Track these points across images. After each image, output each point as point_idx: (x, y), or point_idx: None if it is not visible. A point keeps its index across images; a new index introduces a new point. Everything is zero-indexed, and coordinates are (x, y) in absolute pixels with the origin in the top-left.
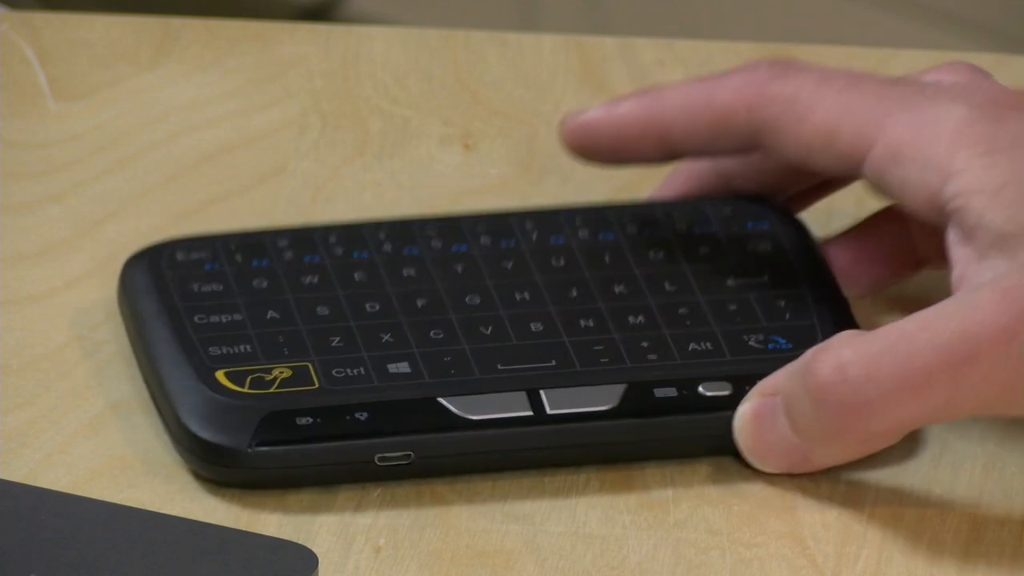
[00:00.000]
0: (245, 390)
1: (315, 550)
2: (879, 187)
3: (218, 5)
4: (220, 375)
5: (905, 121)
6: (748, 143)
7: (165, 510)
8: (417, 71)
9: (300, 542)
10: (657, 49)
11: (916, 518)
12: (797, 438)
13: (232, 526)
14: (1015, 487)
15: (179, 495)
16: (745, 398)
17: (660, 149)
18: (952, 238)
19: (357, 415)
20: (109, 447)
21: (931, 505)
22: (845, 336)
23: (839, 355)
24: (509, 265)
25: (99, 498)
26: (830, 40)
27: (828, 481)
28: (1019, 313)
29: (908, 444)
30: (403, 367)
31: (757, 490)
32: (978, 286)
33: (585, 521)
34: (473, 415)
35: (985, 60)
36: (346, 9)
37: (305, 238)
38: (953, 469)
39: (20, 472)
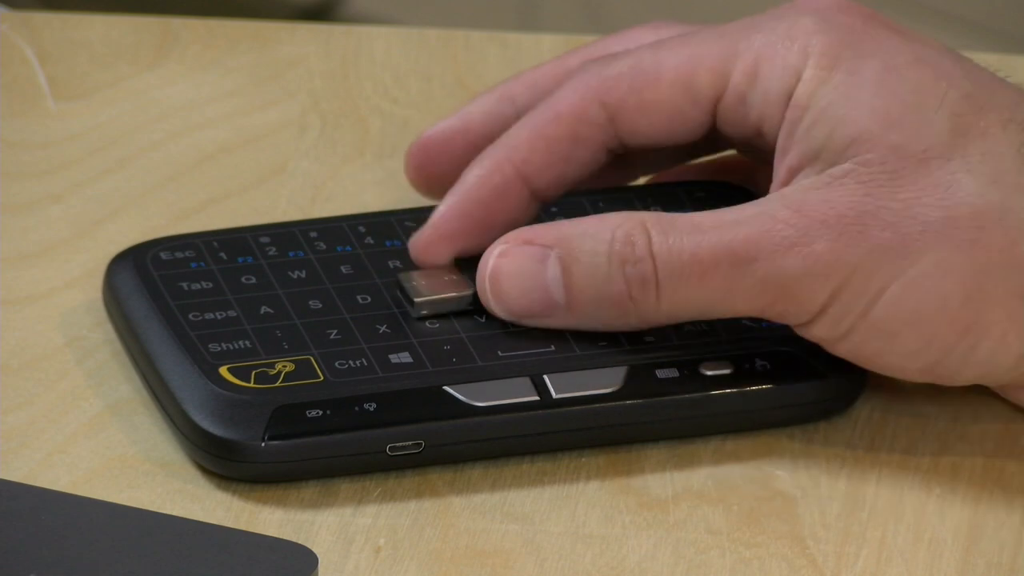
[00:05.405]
0: (251, 385)
1: (315, 550)
2: (737, 120)
3: (218, 5)
4: (224, 371)
5: (758, 40)
6: (609, 141)
7: (165, 510)
8: (417, 71)
9: (300, 542)
10: None
11: (916, 518)
12: (561, 293)
13: (232, 526)
14: (1015, 487)
15: (179, 495)
16: (501, 242)
17: (528, 195)
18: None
19: (366, 406)
20: (109, 447)
21: (931, 505)
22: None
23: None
24: None
25: (99, 498)
26: None
27: (828, 481)
28: (805, 228)
29: (908, 444)
30: (405, 357)
31: (757, 490)
32: (780, 195)
33: (585, 521)
34: (480, 402)
35: (985, 60)
36: (346, 9)
37: (286, 234)
38: (953, 469)
39: (20, 472)
